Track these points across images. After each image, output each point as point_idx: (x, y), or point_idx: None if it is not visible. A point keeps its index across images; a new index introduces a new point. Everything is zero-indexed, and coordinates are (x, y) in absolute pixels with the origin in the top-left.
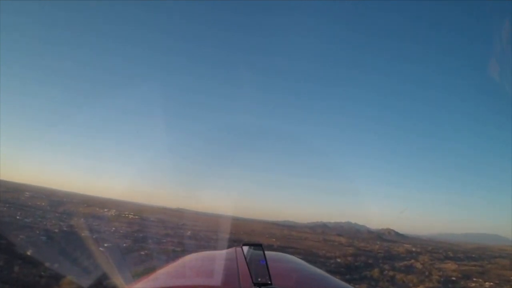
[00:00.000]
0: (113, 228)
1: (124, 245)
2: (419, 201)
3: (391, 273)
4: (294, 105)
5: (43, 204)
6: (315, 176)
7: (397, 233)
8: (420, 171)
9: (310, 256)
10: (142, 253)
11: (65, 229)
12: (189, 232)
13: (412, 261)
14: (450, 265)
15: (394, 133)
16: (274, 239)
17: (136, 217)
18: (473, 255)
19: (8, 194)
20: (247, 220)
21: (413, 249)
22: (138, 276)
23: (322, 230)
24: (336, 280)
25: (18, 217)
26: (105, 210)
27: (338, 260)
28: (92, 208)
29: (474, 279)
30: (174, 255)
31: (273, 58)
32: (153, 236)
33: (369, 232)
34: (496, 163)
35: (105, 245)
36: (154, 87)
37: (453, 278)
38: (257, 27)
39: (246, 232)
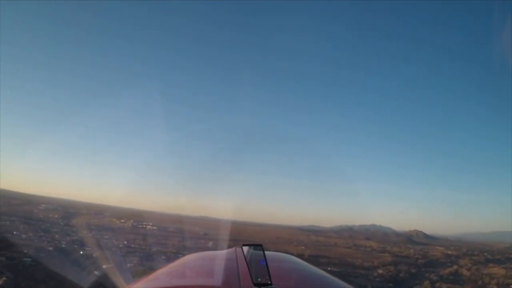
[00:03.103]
0: (125, 242)
1: (129, 265)
2: (442, 201)
3: (444, 286)
4: (307, 108)
5: (56, 216)
6: (338, 178)
7: (425, 235)
8: (440, 172)
9: (347, 267)
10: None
11: (63, 246)
12: (211, 243)
13: (455, 266)
14: (497, 270)
15: (409, 135)
16: (303, 247)
17: (154, 228)
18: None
19: (20, 206)
20: (272, 226)
21: (449, 252)
22: (138, 276)
23: (348, 234)
24: (336, 280)
25: (15, 233)
26: (122, 220)
27: (380, 271)
28: (108, 219)
29: None
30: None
31: (274, 58)
32: (170, 252)
33: (397, 234)
34: None
35: (104, 266)
36: (159, 89)
37: None
38: (259, 27)
39: (272, 241)
